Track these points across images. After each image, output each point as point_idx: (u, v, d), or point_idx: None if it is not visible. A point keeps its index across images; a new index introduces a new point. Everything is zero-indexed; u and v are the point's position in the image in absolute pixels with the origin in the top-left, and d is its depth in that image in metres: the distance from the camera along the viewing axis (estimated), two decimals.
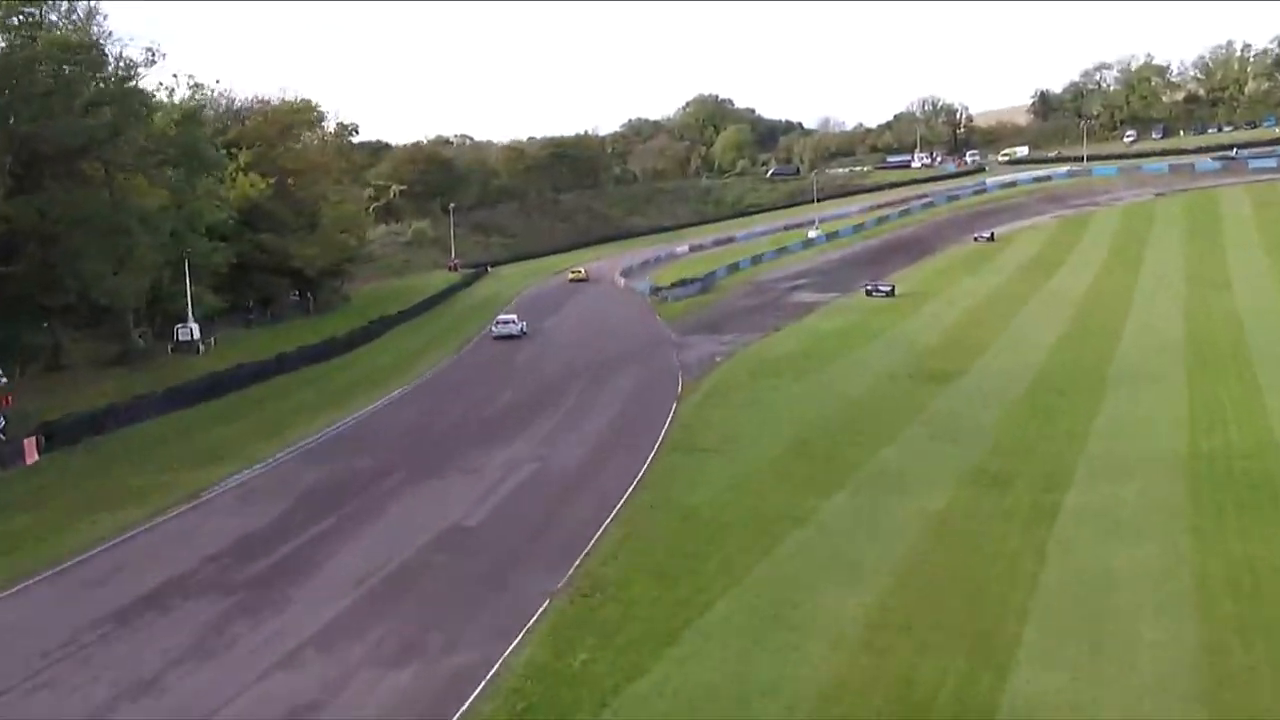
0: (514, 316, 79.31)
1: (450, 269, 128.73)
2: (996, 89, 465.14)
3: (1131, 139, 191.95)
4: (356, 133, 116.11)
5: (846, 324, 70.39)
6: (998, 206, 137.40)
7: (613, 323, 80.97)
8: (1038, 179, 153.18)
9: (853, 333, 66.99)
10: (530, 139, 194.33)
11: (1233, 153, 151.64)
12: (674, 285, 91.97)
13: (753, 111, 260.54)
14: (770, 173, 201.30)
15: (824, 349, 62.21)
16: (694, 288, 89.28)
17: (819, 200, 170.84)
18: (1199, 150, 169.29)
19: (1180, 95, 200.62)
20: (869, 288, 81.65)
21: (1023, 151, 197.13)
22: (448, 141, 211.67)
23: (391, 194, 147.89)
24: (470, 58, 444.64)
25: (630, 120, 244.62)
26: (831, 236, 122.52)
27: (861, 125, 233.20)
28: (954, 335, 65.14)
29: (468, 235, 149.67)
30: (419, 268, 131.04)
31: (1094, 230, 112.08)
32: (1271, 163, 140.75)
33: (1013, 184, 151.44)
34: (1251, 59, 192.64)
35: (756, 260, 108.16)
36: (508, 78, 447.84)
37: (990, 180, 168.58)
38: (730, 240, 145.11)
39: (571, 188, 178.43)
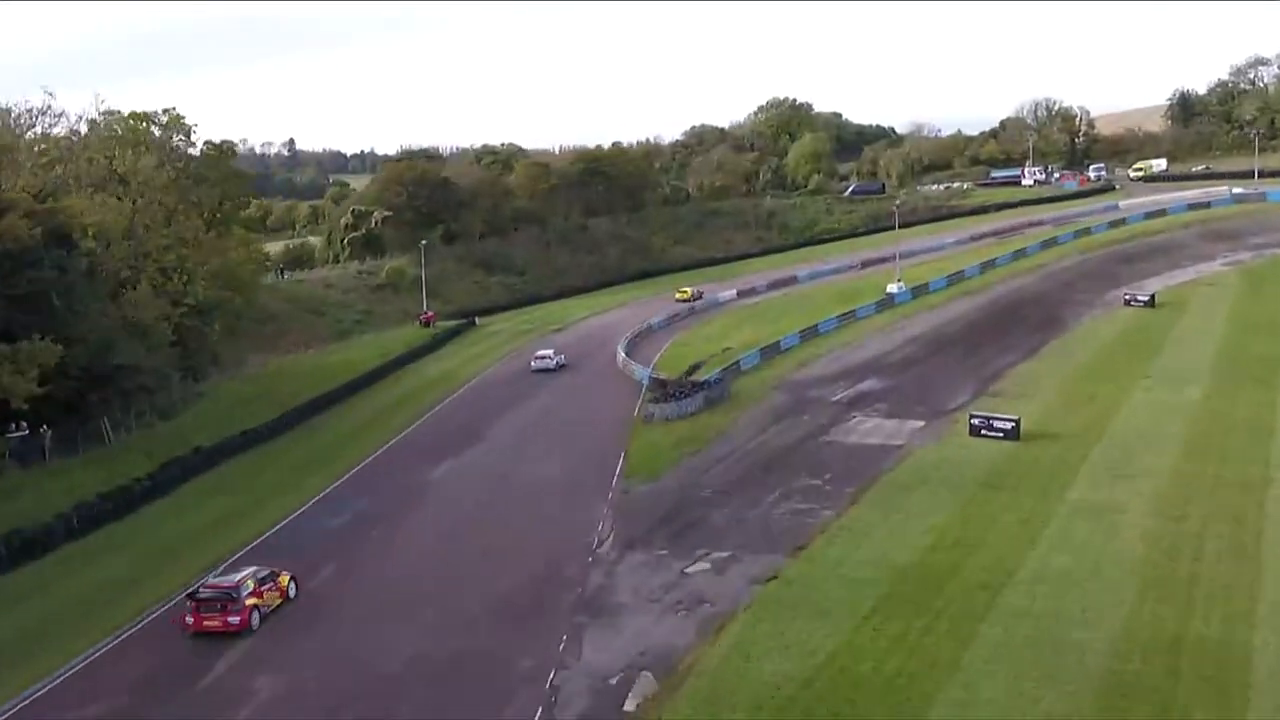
0: (551, 351, 76.53)
1: (423, 323, 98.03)
2: (1123, 88, 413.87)
3: None
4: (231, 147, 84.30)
5: (942, 533, 36.32)
6: (1145, 245, 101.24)
7: (530, 502, 44.53)
8: (1193, 205, 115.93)
9: (962, 570, 33.10)
10: (562, 150, 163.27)
11: None
12: (676, 386, 59.50)
13: (839, 116, 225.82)
14: (849, 190, 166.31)
15: (884, 650, 28.44)
16: (694, 402, 56.11)
17: (906, 227, 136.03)
18: None
19: None
20: (977, 421, 47.75)
21: (1160, 165, 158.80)
22: (493, 151, 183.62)
23: (374, 223, 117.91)
24: (509, 57, 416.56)
25: (694, 127, 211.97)
26: (919, 291, 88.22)
27: (961, 132, 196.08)
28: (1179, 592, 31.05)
29: (465, 274, 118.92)
30: (384, 321, 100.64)
31: None
32: None
33: (1160, 212, 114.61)
34: None
35: (808, 335, 74.42)
36: (557, 79, 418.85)
37: (1124, 203, 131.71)
38: (791, 282, 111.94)
39: (610, 210, 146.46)
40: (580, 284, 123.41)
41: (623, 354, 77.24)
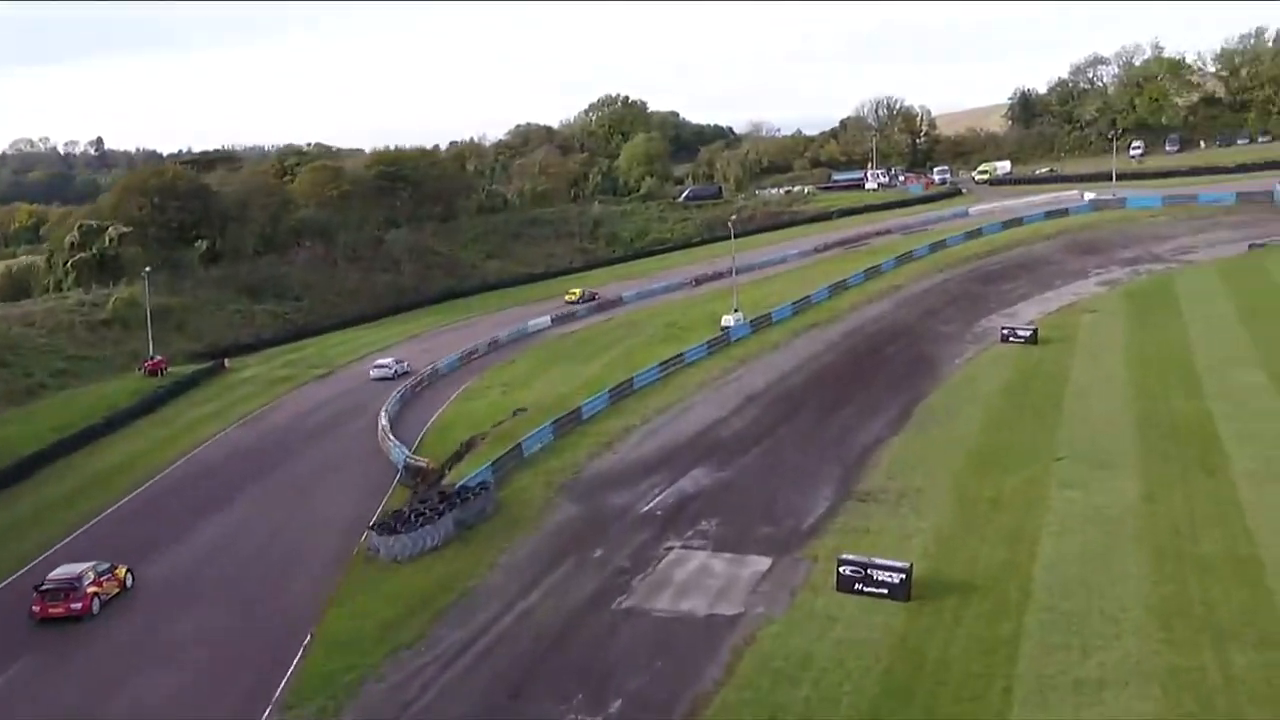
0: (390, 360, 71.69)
1: (148, 371, 76.29)
2: (962, 86, 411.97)
3: (1139, 152, 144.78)
4: None
5: None
6: (1007, 260, 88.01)
7: None
8: (1051, 213, 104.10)
9: None
10: (356, 151, 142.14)
11: None
12: (421, 497, 41.02)
13: (675, 115, 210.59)
14: (684, 195, 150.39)
15: None
16: (438, 530, 37.27)
17: (745, 235, 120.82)
18: (1241, 169, 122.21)
19: (1195, 97, 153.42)
20: (850, 570, 30.82)
21: (1004, 167, 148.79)
22: (299, 152, 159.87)
23: (108, 241, 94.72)
24: (334, 51, 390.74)
25: (519, 126, 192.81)
26: (760, 322, 72.04)
27: (801, 132, 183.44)
28: None
29: (226, 302, 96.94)
30: (104, 369, 78.45)
31: (1203, 321, 62.82)
32: None
33: (1017, 221, 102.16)
34: None
35: (621, 394, 56.75)
36: (379, 74, 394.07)
37: (975, 209, 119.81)
38: (616, 305, 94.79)
39: (416, 221, 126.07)
40: (371, 309, 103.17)
41: (385, 419, 58.22)
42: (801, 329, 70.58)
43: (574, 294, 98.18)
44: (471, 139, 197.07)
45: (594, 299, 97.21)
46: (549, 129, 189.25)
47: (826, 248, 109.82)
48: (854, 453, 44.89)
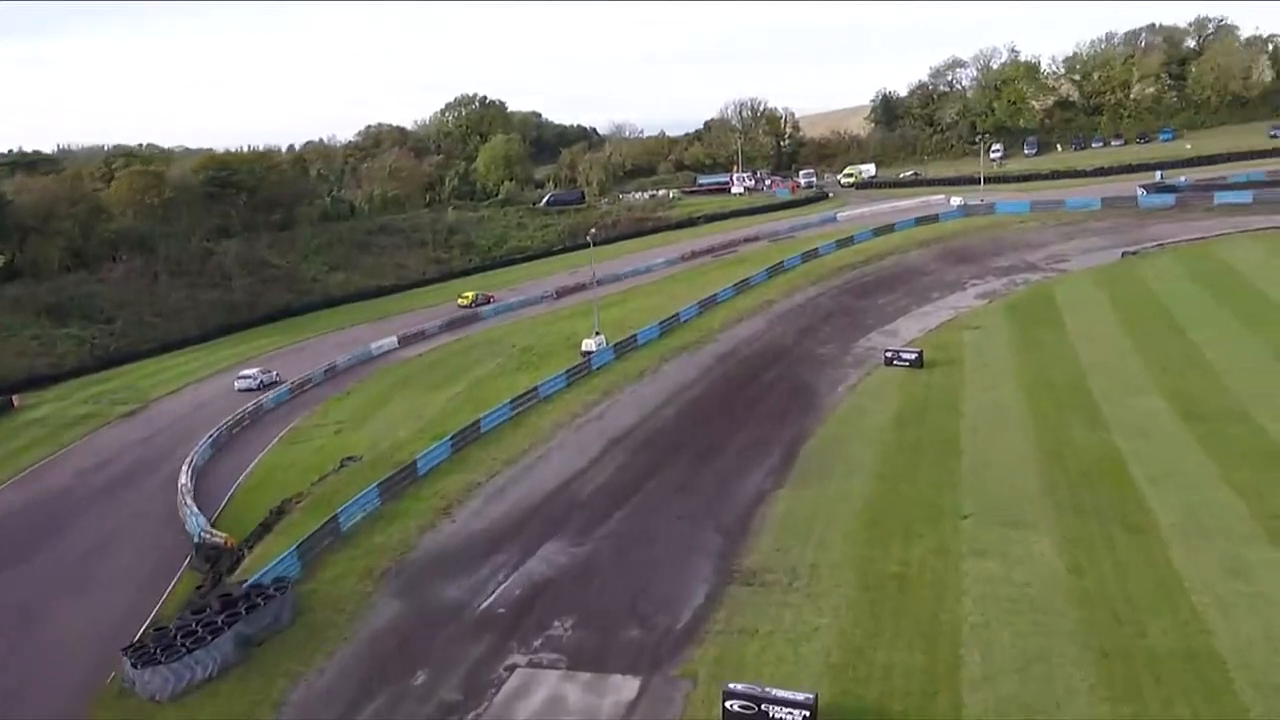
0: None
1: None
2: (824, 89, 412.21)
3: (999, 155, 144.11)
4: None
5: None
6: (881, 271, 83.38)
7: None
8: (921, 220, 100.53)
9: None
10: (183, 151, 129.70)
11: (1178, 179, 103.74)
12: (196, 610, 32.58)
13: (538, 115, 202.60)
14: (545, 200, 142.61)
15: None
16: (214, 653, 28.65)
17: (609, 243, 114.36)
18: (1099, 172, 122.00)
19: (1050, 100, 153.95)
20: (740, 705, 24.08)
21: (869, 171, 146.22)
22: (130, 154, 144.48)
23: None
24: (179, 47, 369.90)
25: (369, 127, 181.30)
26: (624, 346, 65.00)
27: (665, 134, 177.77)
28: None
29: (22, 326, 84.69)
30: None
31: (1089, 339, 58.80)
32: (1244, 197, 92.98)
33: (888, 227, 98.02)
34: (1139, 56, 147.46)
35: (465, 440, 48.70)
36: (228, 70, 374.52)
37: (843, 215, 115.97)
38: (472, 322, 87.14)
39: (251, 230, 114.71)
40: (197, 330, 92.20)
41: (188, 475, 48.99)
42: (670, 353, 63.83)
43: (467, 297, 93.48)
44: (321, 140, 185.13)
45: (489, 301, 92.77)
46: (402, 130, 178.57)
47: (694, 255, 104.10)
48: (734, 513, 38.26)
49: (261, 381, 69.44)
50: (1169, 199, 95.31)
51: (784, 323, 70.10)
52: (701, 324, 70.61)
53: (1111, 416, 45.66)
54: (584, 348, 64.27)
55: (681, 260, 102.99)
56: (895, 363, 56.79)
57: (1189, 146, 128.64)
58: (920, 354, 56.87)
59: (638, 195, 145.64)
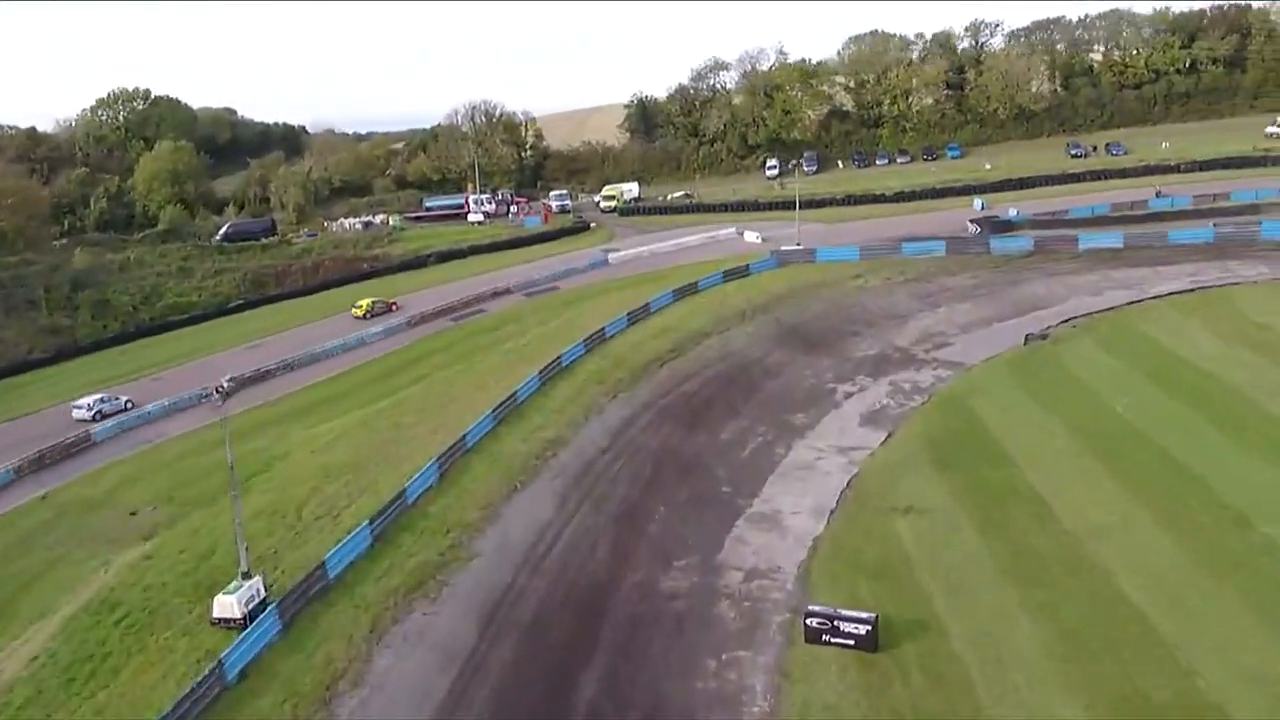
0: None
1: None
2: (569, 92, 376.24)
3: (775, 172, 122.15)
4: None
5: None
6: (704, 367, 55.94)
7: None
8: (729, 273, 73.90)
9: None
10: None
11: (1009, 211, 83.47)
12: None
13: (232, 113, 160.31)
14: (221, 233, 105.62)
15: None
16: None
17: (303, 295, 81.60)
18: (900, 197, 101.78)
19: (825, 109, 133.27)
20: None
21: (632, 191, 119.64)
22: None
23: None
24: None
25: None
26: (296, 600, 33.22)
27: (387, 141, 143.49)
28: None
29: None
30: None
31: (1087, 524, 34.05)
32: (1112, 241, 73.61)
33: (692, 287, 70.64)
34: (913, 61, 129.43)
35: None
36: None
37: (616, 255, 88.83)
38: (76, 455, 52.36)
39: None
40: None
41: None
42: (381, 618, 32.90)
43: (363, 306, 75.92)
44: None
45: (391, 309, 76.35)
46: (32, 133, 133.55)
47: (422, 320, 73.33)
48: None
49: (99, 412, 56.69)
50: (1025, 243, 74.45)
51: (581, 500, 40.96)
52: (437, 522, 39.42)
53: None
54: (215, 614, 32.02)
55: (407, 328, 71.99)
56: (830, 638, 29.25)
57: (989, 166, 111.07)
58: (873, 624, 29.43)
59: (349, 222, 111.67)
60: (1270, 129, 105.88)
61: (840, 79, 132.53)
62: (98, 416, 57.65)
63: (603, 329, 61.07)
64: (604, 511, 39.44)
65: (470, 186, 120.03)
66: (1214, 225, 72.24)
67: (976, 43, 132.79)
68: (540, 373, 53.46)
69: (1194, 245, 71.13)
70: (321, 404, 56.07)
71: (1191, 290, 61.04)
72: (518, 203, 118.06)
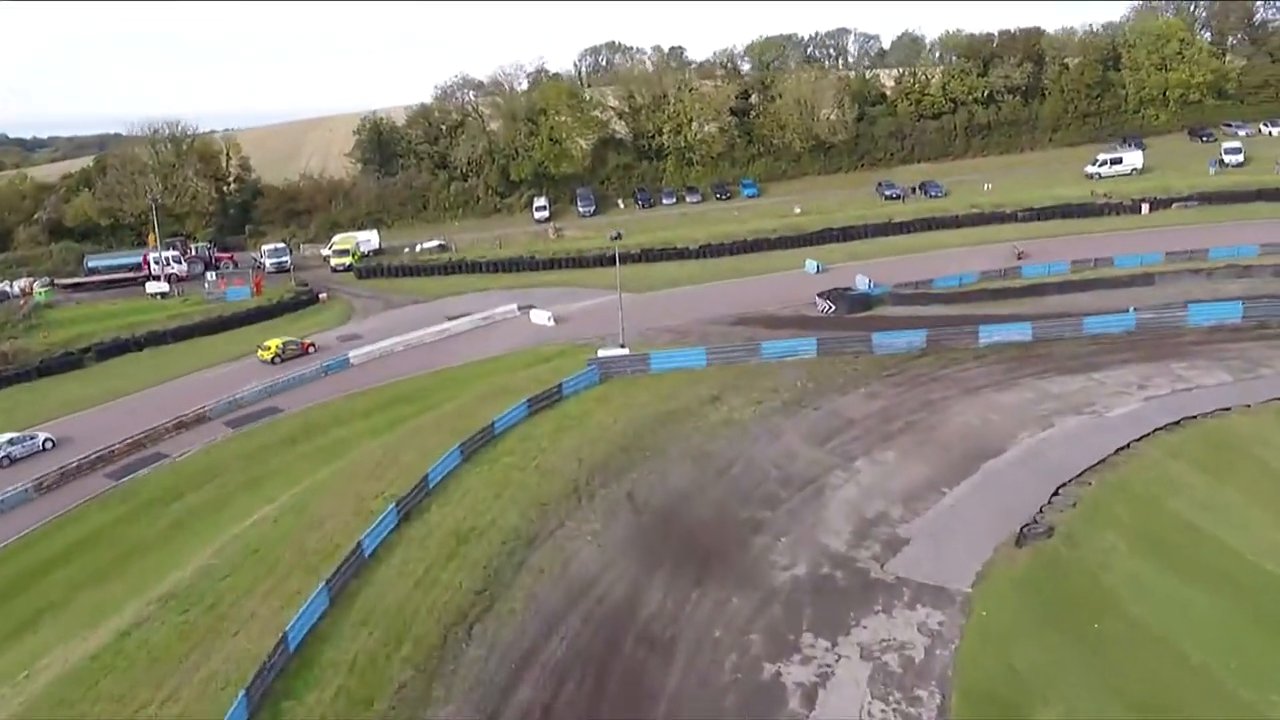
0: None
1: None
2: (275, 109, 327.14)
3: (545, 215, 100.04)
4: None
5: None
6: (527, 612, 32.73)
7: None
8: (535, 401, 50.32)
9: None
10: None
11: (864, 282, 65.12)
12: None
13: None
14: None
15: None
16: None
17: None
18: (706, 251, 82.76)
19: (595, 138, 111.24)
20: None
21: (371, 242, 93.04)
22: None
23: None
24: None
25: None
26: None
27: (25, 174, 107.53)
28: None
29: None
30: None
31: None
32: (1020, 333, 56.73)
33: (489, 431, 46.55)
34: (689, 84, 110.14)
35: None
36: None
37: (357, 351, 63.43)
38: None
39: None
40: None
41: None
42: None
43: (271, 347, 61.99)
44: None
45: (309, 351, 62.65)
46: None
47: (62, 480, 45.36)
48: None
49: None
50: (915, 338, 55.80)
51: None
52: None
53: None
54: None
55: (35, 496, 44.36)
56: None
57: (799, 210, 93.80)
58: None
59: None
60: (1089, 168, 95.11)
61: (613, 102, 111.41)
62: None
63: (359, 543, 35.89)
64: None
65: (152, 237, 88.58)
66: (1133, 310, 56.87)
67: (762, 62, 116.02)
68: (246, 690, 27.79)
69: (1114, 335, 55.57)
70: None
71: (1178, 423, 44.13)
72: (219, 260, 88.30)
